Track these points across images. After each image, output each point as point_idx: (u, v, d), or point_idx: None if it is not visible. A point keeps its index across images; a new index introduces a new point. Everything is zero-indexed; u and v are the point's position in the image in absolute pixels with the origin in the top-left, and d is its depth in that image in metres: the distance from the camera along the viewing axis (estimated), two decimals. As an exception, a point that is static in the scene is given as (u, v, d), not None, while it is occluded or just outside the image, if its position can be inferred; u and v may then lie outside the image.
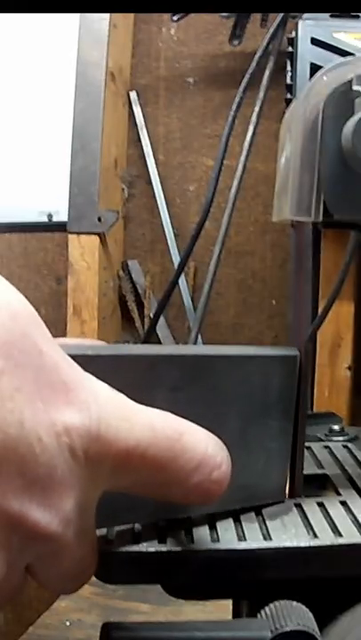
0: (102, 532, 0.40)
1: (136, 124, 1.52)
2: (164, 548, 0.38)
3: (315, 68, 1.05)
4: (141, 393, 0.35)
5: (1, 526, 0.27)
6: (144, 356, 0.37)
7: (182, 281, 1.50)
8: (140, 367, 0.37)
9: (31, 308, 0.29)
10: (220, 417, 0.40)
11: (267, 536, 0.40)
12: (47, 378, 0.28)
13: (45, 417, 0.28)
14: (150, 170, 1.53)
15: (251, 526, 0.41)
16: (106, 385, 0.31)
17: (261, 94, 1.10)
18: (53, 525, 0.28)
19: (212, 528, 0.41)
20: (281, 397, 0.42)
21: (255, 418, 0.42)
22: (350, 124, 0.40)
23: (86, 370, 0.31)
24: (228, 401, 0.40)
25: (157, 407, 0.33)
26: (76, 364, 0.30)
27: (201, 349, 0.42)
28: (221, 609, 0.54)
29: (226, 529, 0.41)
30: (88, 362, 0.33)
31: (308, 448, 0.53)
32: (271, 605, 0.36)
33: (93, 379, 0.31)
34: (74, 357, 0.31)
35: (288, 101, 1.14)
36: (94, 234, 1.40)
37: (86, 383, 0.30)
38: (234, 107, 1.10)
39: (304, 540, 0.39)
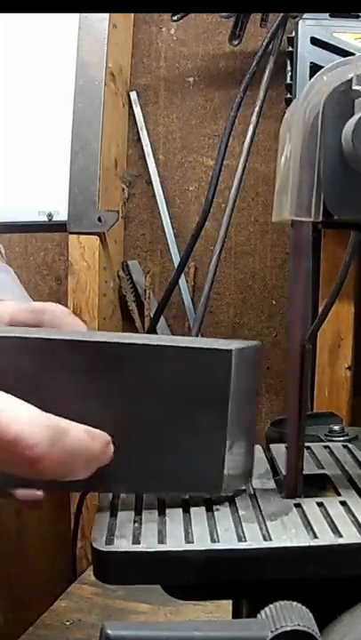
0: (102, 531, 0.40)
1: (136, 124, 1.52)
2: (164, 548, 0.38)
3: (315, 68, 1.05)
4: (39, 374, 0.38)
5: None
6: (42, 340, 0.39)
7: (182, 281, 1.49)
8: (39, 350, 0.39)
9: None
10: (136, 404, 0.40)
11: (267, 536, 0.40)
12: None
13: None
14: (150, 170, 1.52)
15: (251, 526, 0.41)
16: None
17: (261, 94, 1.10)
18: None
19: (212, 528, 0.41)
20: (212, 391, 0.42)
21: (182, 409, 0.42)
22: (350, 124, 0.40)
23: None
24: (148, 389, 0.41)
25: (58, 390, 0.35)
26: None
27: (116, 337, 0.43)
28: (221, 609, 0.54)
29: (226, 529, 0.41)
30: None
31: (308, 448, 0.53)
32: (271, 606, 0.36)
33: None
34: None
35: (288, 101, 1.14)
36: (94, 234, 1.39)
37: None
38: (234, 107, 1.10)
39: (304, 540, 0.39)
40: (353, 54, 0.92)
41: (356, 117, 0.40)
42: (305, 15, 1.06)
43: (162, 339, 0.42)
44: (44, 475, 0.37)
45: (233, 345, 0.43)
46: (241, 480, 0.46)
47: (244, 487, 0.47)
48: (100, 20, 1.35)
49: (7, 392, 0.36)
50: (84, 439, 0.38)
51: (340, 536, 0.39)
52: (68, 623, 1.01)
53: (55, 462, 0.37)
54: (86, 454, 0.38)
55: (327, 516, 0.42)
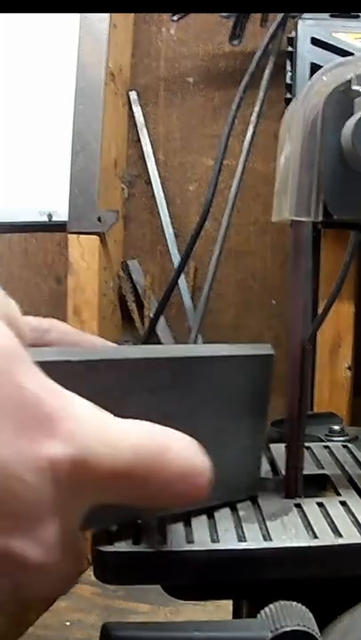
0: (103, 531, 0.40)
1: (136, 124, 1.52)
2: (164, 548, 0.38)
3: (315, 68, 1.05)
4: (121, 396, 0.35)
5: None
6: (124, 361, 0.38)
7: (182, 281, 1.50)
8: (121, 371, 0.37)
9: (10, 337, 0.29)
10: (196, 416, 0.40)
11: (267, 536, 0.40)
12: (29, 413, 0.29)
13: (29, 454, 0.28)
14: (150, 170, 1.52)
15: (251, 526, 0.41)
16: (88, 405, 0.31)
17: (261, 94, 1.10)
18: (39, 555, 0.29)
19: (212, 528, 0.41)
20: (255, 395, 0.43)
21: (231, 415, 0.42)
22: (350, 124, 0.40)
23: (65, 375, 0.32)
24: (205, 400, 0.41)
25: (137, 410, 0.33)
26: (58, 390, 0.30)
27: (178, 351, 0.43)
28: (221, 609, 0.54)
29: (226, 529, 0.41)
30: (66, 368, 0.34)
31: (308, 448, 0.53)
32: (271, 605, 0.36)
33: (76, 401, 0.31)
34: (51, 364, 0.32)
35: (288, 101, 1.14)
36: (94, 234, 1.40)
37: (69, 411, 0.30)
38: (234, 107, 1.10)
39: (304, 540, 0.39)
40: (353, 54, 0.92)
41: (355, 117, 0.40)
42: (305, 15, 1.06)
43: (201, 349, 0.42)
44: (202, 499, 0.34)
45: (266, 349, 0.43)
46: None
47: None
48: (100, 20, 1.35)
49: None
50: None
51: (340, 536, 0.39)
52: (68, 623, 1.02)
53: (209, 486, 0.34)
54: None
55: (327, 516, 0.42)
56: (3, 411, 0.28)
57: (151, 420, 0.33)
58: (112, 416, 0.32)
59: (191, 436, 0.35)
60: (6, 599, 0.31)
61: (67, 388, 0.31)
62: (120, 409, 0.32)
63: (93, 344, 0.43)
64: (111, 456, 0.30)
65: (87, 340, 0.43)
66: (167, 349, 0.42)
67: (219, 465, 0.42)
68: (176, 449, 0.33)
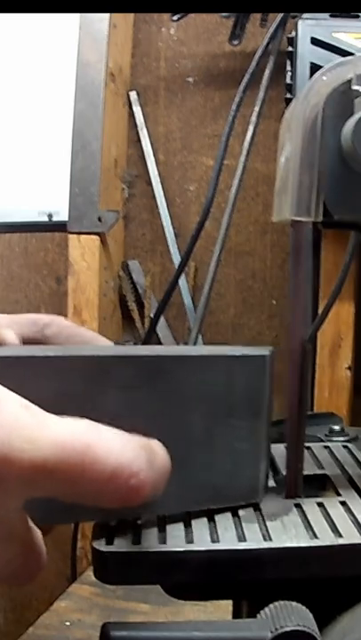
0: (102, 531, 0.40)
1: (136, 124, 1.52)
2: (163, 549, 0.38)
3: (315, 68, 1.05)
4: (87, 393, 0.36)
5: None
6: (91, 357, 0.38)
7: (182, 281, 1.49)
8: (87, 368, 0.37)
9: None
10: (180, 417, 0.40)
11: (267, 536, 0.40)
12: None
13: None
14: (150, 170, 1.52)
15: (251, 526, 0.41)
16: (17, 401, 0.32)
17: (261, 94, 1.10)
18: None
19: (212, 528, 0.41)
20: (249, 397, 0.42)
21: (220, 418, 0.42)
22: (350, 124, 0.40)
23: (28, 371, 0.32)
24: (191, 401, 0.40)
25: (105, 408, 0.33)
26: None
27: (160, 350, 0.42)
28: (221, 609, 0.54)
29: (226, 529, 0.41)
30: (30, 363, 0.34)
31: (308, 448, 0.53)
32: (271, 606, 0.36)
33: (3, 396, 0.32)
34: (14, 359, 0.32)
35: (288, 101, 1.14)
36: (94, 234, 1.40)
37: None
38: (234, 107, 1.10)
39: (304, 541, 0.39)
40: (353, 54, 0.92)
41: (355, 117, 0.40)
42: (305, 15, 1.06)
43: (190, 349, 0.42)
44: (140, 501, 0.34)
45: (262, 350, 0.43)
46: (267, 485, 0.46)
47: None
48: (100, 20, 1.35)
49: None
50: (165, 454, 0.35)
51: (340, 536, 0.39)
52: (68, 623, 1.01)
53: (152, 485, 0.34)
54: (168, 470, 0.35)
55: (327, 516, 0.42)
56: None
57: (122, 419, 0.33)
58: (41, 413, 0.32)
59: (169, 436, 0.35)
60: None
61: (28, 384, 0.32)
62: (86, 406, 0.33)
63: (90, 339, 0.43)
64: (31, 452, 0.31)
65: (84, 335, 0.43)
66: (151, 349, 0.42)
67: (209, 467, 0.42)
68: (103, 447, 0.33)
